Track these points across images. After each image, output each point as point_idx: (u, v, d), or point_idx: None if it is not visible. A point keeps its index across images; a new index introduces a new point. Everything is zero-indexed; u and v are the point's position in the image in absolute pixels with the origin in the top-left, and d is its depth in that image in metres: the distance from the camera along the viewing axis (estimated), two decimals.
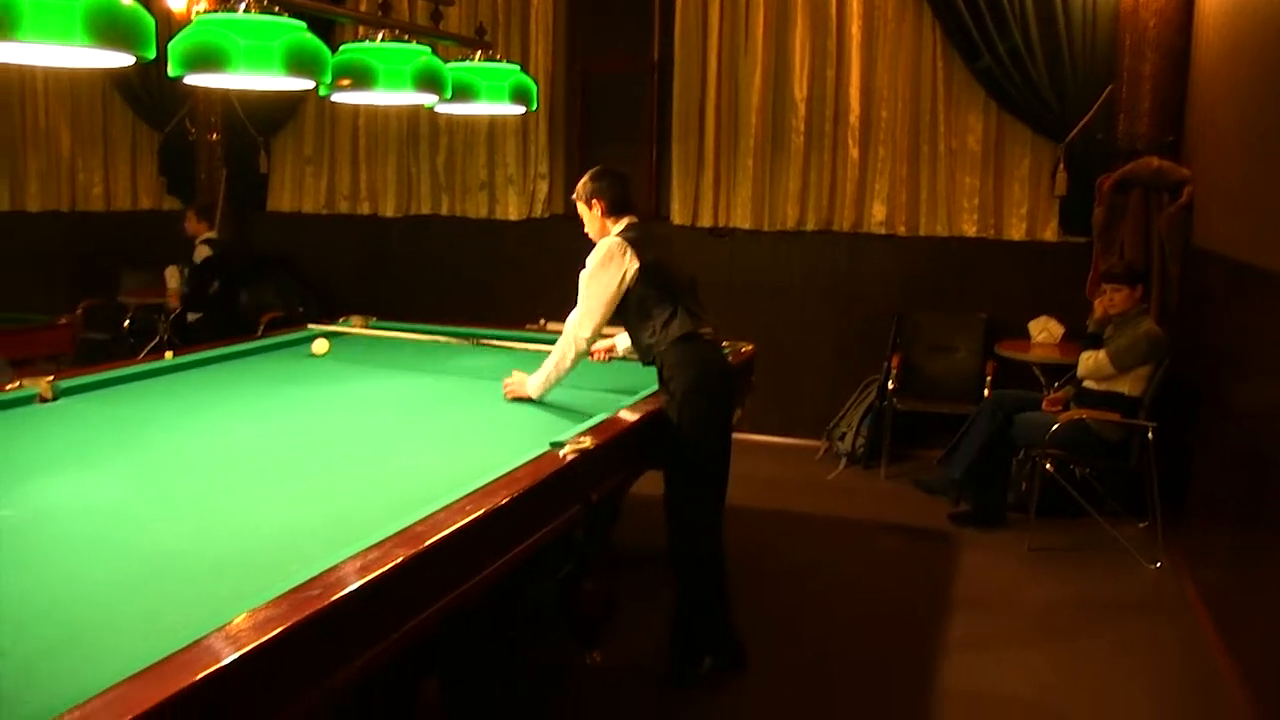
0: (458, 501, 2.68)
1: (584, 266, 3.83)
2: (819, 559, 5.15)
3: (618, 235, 3.83)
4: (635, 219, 3.93)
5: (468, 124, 7.73)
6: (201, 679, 1.77)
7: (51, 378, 4.00)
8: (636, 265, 3.74)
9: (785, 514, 5.70)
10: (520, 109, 4.51)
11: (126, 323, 8.10)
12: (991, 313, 6.57)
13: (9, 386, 3.89)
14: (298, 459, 3.31)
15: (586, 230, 3.99)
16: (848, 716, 3.65)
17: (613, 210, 3.90)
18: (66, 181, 9.23)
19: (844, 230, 6.88)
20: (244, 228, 8.50)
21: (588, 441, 3.22)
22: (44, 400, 3.85)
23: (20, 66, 8.98)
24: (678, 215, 7.22)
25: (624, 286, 3.76)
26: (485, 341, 5.04)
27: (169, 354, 4.59)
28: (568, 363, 3.86)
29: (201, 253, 7.56)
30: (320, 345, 4.87)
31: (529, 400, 3.91)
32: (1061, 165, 6.29)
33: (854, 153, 6.76)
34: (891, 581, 4.87)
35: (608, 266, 3.76)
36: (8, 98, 9.30)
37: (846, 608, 4.56)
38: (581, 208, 3.96)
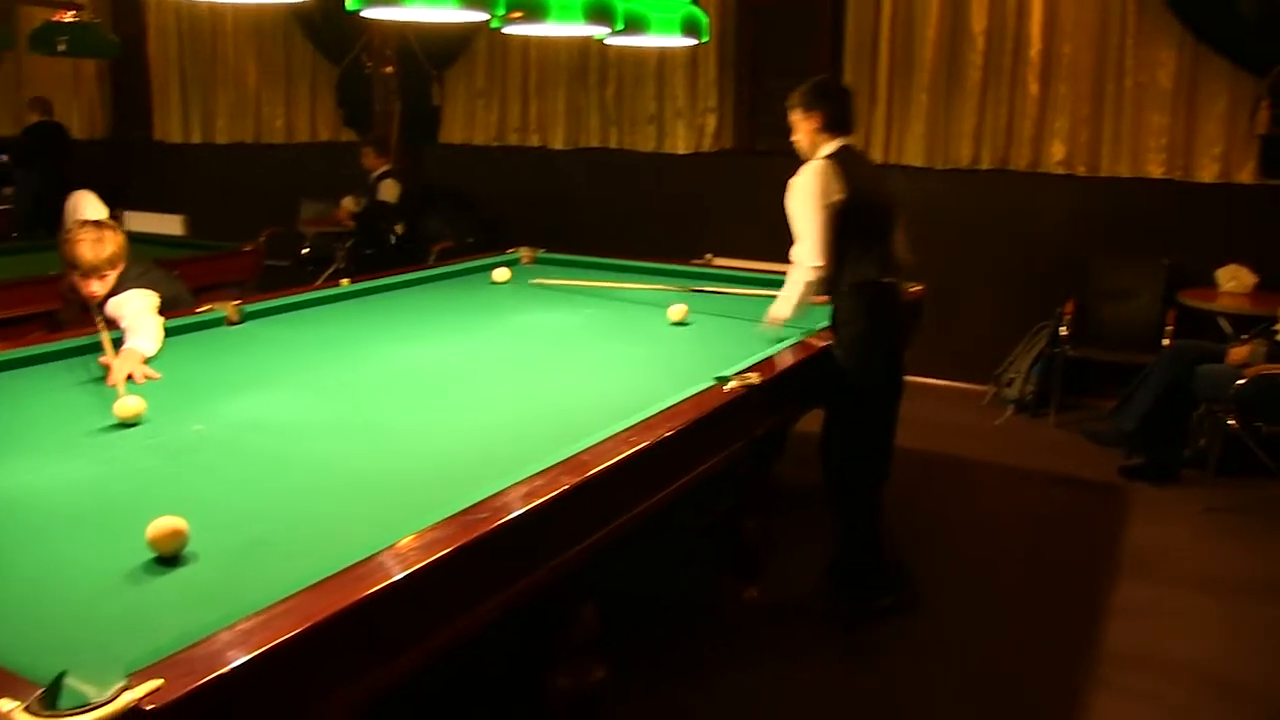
0: (622, 432, 2.71)
1: (788, 191, 3.60)
2: (983, 506, 5.04)
3: (827, 157, 3.59)
4: (850, 141, 3.67)
5: (637, 57, 7.71)
6: (373, 594, 1.86)
7: (238, 302, 4.20)
8: (841, 195, 3.51)
9: (950, 458, 5.58)
10: (691, 41, 4.47)
11: (305, 250, 8.42)
12: (1175, 259, 6.25)
13: (201, 308, 4.11)
14: (468, 385, 3.41)
15: (795, 140, 3.73)
16: (1011, 668, 3.58)
17: (829, 127, 3.63)
18: (252, 115, 9.63)
19: (1020, 170, 6.61)
20: (417, 160, 8.71)
21: (754, 377, 3.21)
22: (231, 323, 4.06)
23: (212, 6, 9.37)
24: None
25: (830, 212, 3.52)
26: (700, 289, 4.76)
27: (345, 281, 4.76)
28: (808, 292, 3.63)
29: (389, 190, 7.76)
30: (501, 273, 4.98)
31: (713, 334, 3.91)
32: (1265, 103, 5.90)
33: (1033, 89, 6.47)
34: (1058, 533, 4.73)
35: (812, 190, 3.52)
36: (200, 37, 9.73)
37: (1010, 557, 4.46)
38: (796, 116, 3.69)
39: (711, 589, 3.94)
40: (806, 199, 3.54)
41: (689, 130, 7.68)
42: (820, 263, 3.57)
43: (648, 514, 2.74)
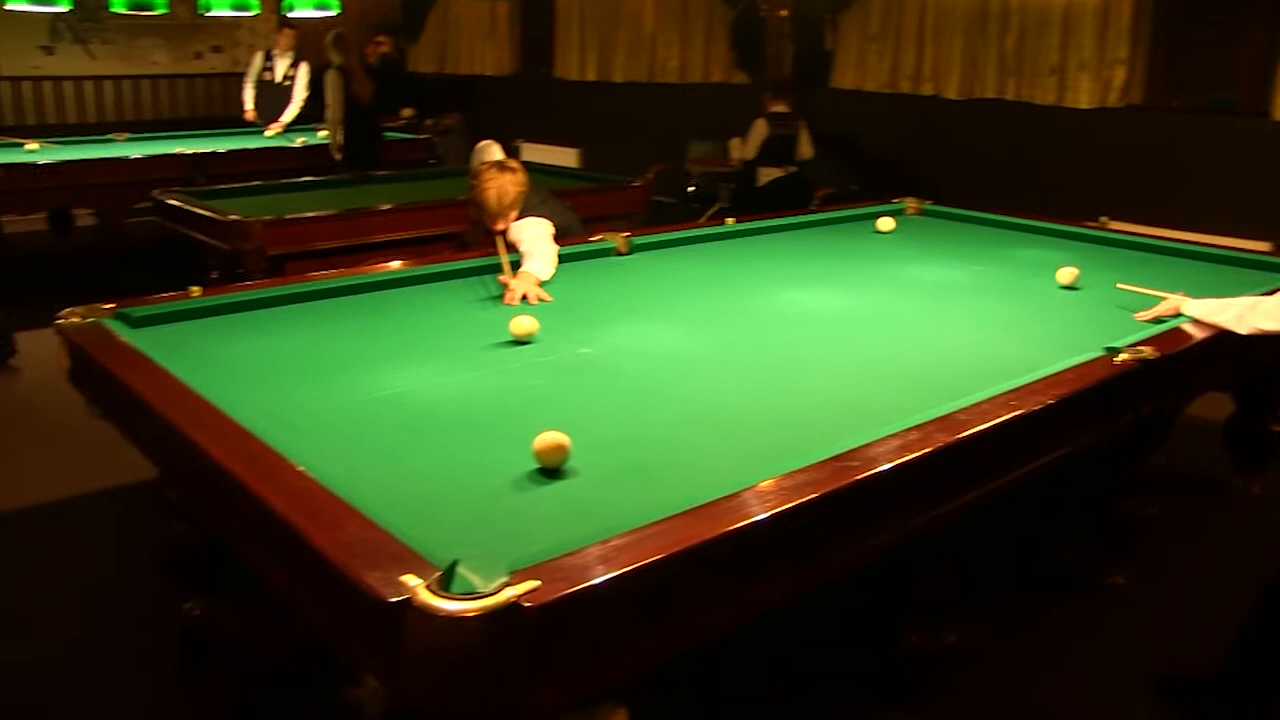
0: (1002, 395, 2.60)
1: None
2: None
3: None
4: None
5: (1041, 3, 7.27)
6: (740, 527, 1.89)
7: (627, 234, 4.37)
8: None
9: None
10: None
11: (691, 188, 8.63)
12: None
13: (593, 238, 4.31)
14: (845, 332, 3.37)
15: None
16: None
17: None
18: (647, 55, 9.94)
19: None
20: (807, 104, 8.69)
21: (1148, 351, 2.97)
22: (620, 254, 4.24)
23: None
24: None
25: None
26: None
27: (730, 220, 4.83)
28: None
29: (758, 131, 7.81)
30: (886, 223, 4.90)
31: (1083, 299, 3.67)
32: None
33: None
34: None
35: None
36: None
37: None
38: None
39: (1077, 567, 3.72)
40: None
41: (1094, 83, 7.18)
42: None
43: (1019, 481, 2.62)
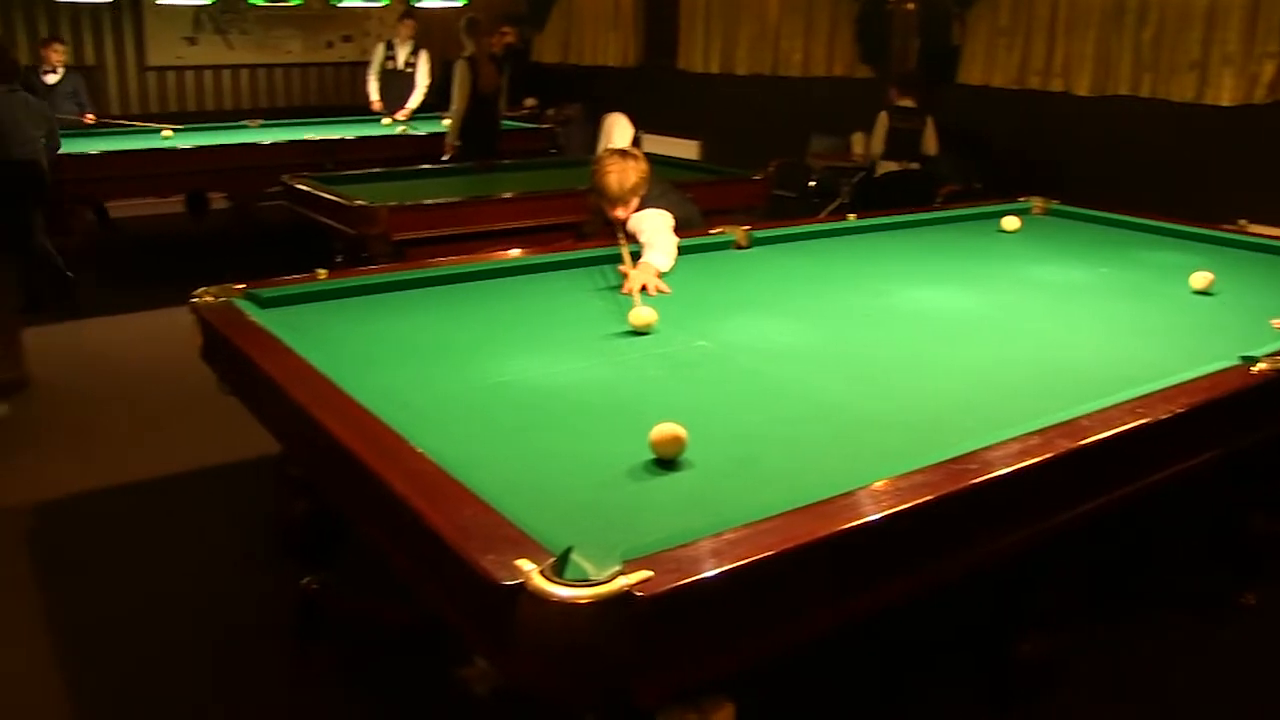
0: (1128, 402, 2.52)
1: None
2: None
3: None
4: None
5: None
6: (853, 527, 1.87)
7: (747, 227, 4.35)
8: None
9: None
10: None
11: (812, 183, 8.56)
12: None
13: (713, 230, 4.31)
14: (966, 332, 3.31)
15: None
16: None
17: None
18: (770, 48, 9.87)
19: None
20: (933, 99, 8.54)
21: None
22: (739, 247, 4.22)
23: None
24: None
25: None
26: None
27: (851, 216, 4.78)
28: None
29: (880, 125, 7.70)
30: (1011, 222, 4.79)
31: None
32: None
33: None
34: None
35: None
36: None
37: None
38: None
39: (1203, 583, 3.60)
40: None
41: (1238, 79, 6.88)
42: None
43: (1144, 492, 2.54)
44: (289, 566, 3.14)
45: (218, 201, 8.93)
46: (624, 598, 1.59)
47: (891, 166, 7.69)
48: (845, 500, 1.95)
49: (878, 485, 2.01)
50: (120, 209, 8.43)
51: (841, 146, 8.56)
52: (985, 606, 2.78)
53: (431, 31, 12.29)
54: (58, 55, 8.64)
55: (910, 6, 8.47)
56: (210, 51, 11.87)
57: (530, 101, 11.32)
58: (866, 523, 1.89)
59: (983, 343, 3.19)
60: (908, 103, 7.71)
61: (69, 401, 5.36)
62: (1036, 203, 5.25)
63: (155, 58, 11.57)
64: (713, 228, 4.36)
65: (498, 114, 8.07)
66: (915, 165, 7.69)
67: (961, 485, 2.06)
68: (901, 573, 2.03)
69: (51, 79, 8.57)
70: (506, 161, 7.41)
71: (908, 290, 3.77)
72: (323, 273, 3.55)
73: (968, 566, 2.20)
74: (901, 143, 7.70)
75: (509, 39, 12.21)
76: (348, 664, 3.16)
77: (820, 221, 4.85)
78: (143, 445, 4.79)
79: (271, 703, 3.01)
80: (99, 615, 3.44)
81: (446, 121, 8.09)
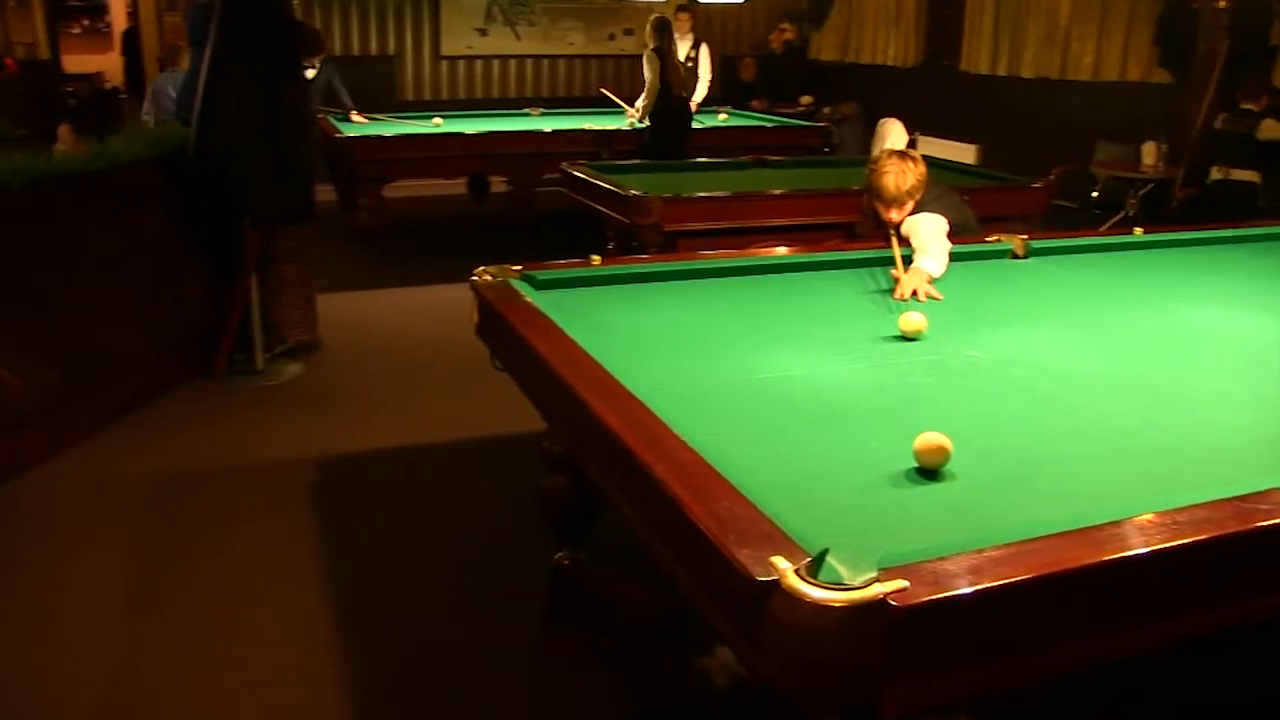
0: None
1: None
2: None
3: None
4: None
5: None
6: (1126, 557, 1.77)
7: (1025, 237, 4.19)
8: None
9: None
10: None
11: (1095, 193, 8.16)
12: None
13: (989, 238, 4.17)
14: (1261, 363, 3.05)
15: None
16: None
17: None
18: (1060, 49, 9.45)
19: None
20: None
21: None
22: (1016, 257, 4.07)
23: None
24: None
25: None
26: None
27: (1138, 230, 4.52)
28: None
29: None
30: None
31: None
32: None
33: None
34: None
35: None
36: None
37: None
38: None
39: None
40: None
41: None
42: None
43: None
44: (544, 541, 3.26)
45: (498, 186, 9.34)
46: (878, 605, 1.56)
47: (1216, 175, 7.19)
48: (1116, 528, 1.84)
49: (1153, 516, 1.90)
50: (404, 189, 8.94)
51: (1130, 156, 8.10)
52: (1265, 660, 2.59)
53: (713, 25, 12.45)
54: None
55: (1222, 4, 7.89)
56: (499, 42, 12.42)
57: (806, 99, 11.29)
58: (1139, 555, 1.79)
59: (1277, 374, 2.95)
60: (1251, 105, 7.16)
61: (353, 366, 5.75)
62: None
63: (449, 47, 12.22)
64: (989, 235, 4.22)
65: (688, 111, 8.13)
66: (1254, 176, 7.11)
67: (1249, 526, 1.91)
68: (1172, 615, 1.90)
69: (310, 73, 8.52)
70: (779, 159, 7.41)
71: (1195, 311, 3.52)
72: (596, 259, 3.66)
73: (1250, 616, 2.04)
74: (1234, 147, 7.15)
75: (788, 35, 12.22)
76: (592, 640, 3.25)
77: (1103, 234, 4.60)
78: (416, 412, 5.09)
79: (514, 670, 3.14)
80: (362, 568, 3.69)
81: (637, 108, 8.25)
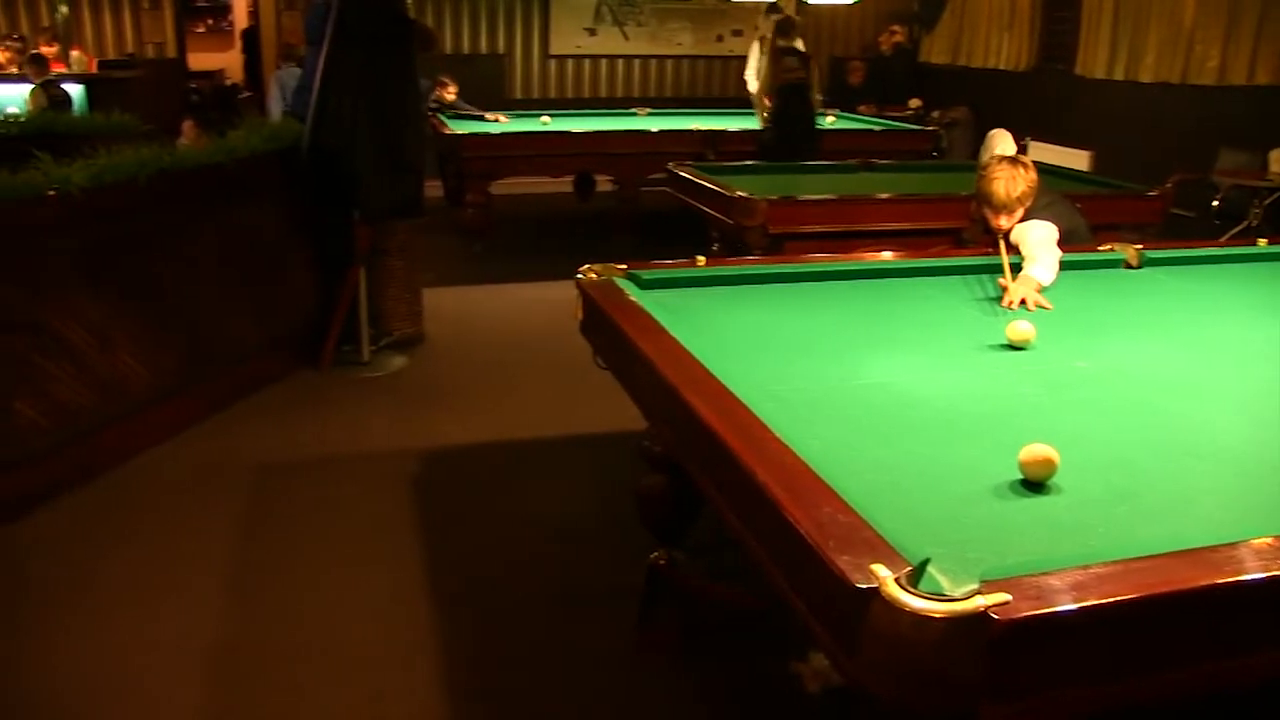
0: None
1: None
2: None
3: None
4: None
5: None
6: (1235, 583, 1.71)
7: (1139, 246, 4.08)
8: None
9: None
10: None
11: (1216, 202, 7.91)
12: None
13: (1101, 247, 4.08)
14: None
15: None
16: None
17: None
18: (1182, 53, 9.17)
19: None
20: None
21: None
22: (1129, 267, 3.97)
23: None
24: None
25: None
26: None
27: (1262, 241, 4.37)
28: None
29: None
30: None
31: None
32: None
33: None
34: None
35: None
36: None
37: None
38: None
39: None
40: None
41: None
42: None
43: None
44: (641, 539, 3.28)
45: (603, 185, 9.40)
46: (980, 618, 1.54)
47: None
48: (1230, 551, 1.79)
49: (1271, 540, 1.83)
50: (510, 186, 9.05)
51: (1256, 163, 7.83)
52: None
53: (820, 27, 12.37)
54: None
55: None
56: (607, 42, 12.51)
57: (915, 102, 11.15)
58: (1255, 580, 1.72)
59: None
60: None
61: (455, 359, 5.85)
62: None
63: (558, 47, 12.34)
64: (1101, 244, 4.12)
65: (810, 108, 8.04)
66: None
67: None
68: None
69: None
70: (886, 162, 7.33)
71: None
72: (701, 259, 3.67)
73: None
74: None
75: (897, 38, 12.09)
76: (686, 641, 3.26)
77: (1223, 245, 4.46)
78: (516, 407, 5.15)
79: (608, 666, 3.16)
80: (458, 561, 3.75)
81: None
